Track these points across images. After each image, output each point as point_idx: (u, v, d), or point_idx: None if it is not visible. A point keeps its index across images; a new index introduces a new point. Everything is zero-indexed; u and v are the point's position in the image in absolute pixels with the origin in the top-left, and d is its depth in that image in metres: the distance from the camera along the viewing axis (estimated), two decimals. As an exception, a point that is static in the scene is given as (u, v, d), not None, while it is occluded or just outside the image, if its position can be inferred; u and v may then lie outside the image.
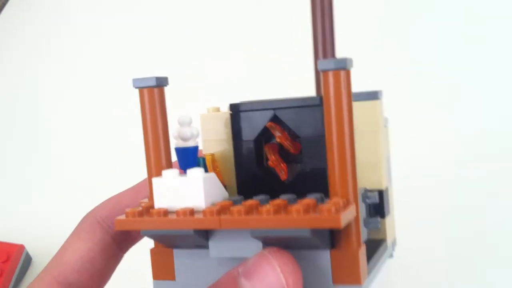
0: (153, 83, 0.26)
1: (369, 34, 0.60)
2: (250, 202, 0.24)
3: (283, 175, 0.28)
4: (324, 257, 0.24)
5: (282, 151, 0.28)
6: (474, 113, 0.56)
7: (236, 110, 0.28)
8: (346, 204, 0.23)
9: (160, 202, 0.25)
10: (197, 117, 0.30)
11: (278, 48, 0.63)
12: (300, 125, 0.27)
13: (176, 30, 0.69)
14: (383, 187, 0.28)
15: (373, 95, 0.28)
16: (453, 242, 0.51)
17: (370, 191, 0.28)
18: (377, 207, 0.28)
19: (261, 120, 0.28)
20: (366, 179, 0.28)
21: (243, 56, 0.65)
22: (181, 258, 0.26)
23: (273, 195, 0.26)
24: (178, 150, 0.27)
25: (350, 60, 0.23)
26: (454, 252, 0.51)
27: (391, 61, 0.58)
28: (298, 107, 0.27)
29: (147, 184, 0.27)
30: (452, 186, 0.53)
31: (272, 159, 0.28)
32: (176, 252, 0.27)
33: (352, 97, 0.24)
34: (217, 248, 0.25)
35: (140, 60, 0.68)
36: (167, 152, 0.27)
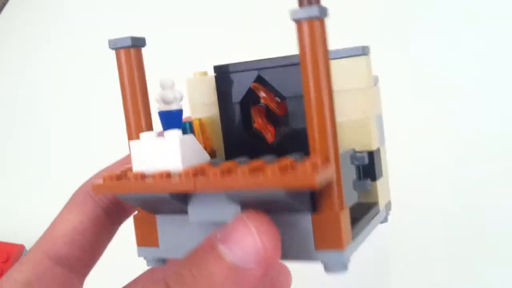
0: (128, 43, 0.25)
1: (369, 34, 0.60)
2: (228, 163, 0.23)
3: (269, 137, 0.27)
4: (306, 220, 0.23)
5: (269, 113, 0.28)
6: (474, 112, 0.55)
7: (220, 72, 0.27)
8: (325, 163, 0.22)
9: (138, 165, 0.24)
10: (184, 83, 0.29)
11: (278, 47, 0.63)
12: (284, 85, 0.26)
13: (176, 30, 0.69)
14: (373, 148, 0.27)
15: (360, 51, 0.26)
16: (453, 242, 0.51)
17: (360, 152, 0.27)
18: (368, 168, 0.27)
19: (245, 81, 0.27)
20: (355, 140, 0.27)
21: (243, 55, 0.65)
22: (164, 224, 0.26)
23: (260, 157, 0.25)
24: (161, 114, 0.26)
25: (325, 9, 0.21)
26: (454, 252, 0.51)
27: (392, 60, 0.58)
28: (282, 66, 0.26)
29: None
30: (452, 186, 0.53)
31: (258, 122, 0.27)
32: (159, 218, 0.26)
33: (339, 53, 0.24)
34: (196, 212, 0.24)
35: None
36: (146, 115, 0.26)
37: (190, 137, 0.24)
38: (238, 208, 0.23)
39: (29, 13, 0.80)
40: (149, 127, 0.26)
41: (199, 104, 0.29)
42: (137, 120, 0.26)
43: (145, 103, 0.26)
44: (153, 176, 0.23)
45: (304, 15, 0.21)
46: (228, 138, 0.28)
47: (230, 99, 0.27)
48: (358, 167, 0.27)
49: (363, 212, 0.27)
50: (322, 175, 0.21)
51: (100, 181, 0.24)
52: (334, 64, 0.25)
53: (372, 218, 0.27)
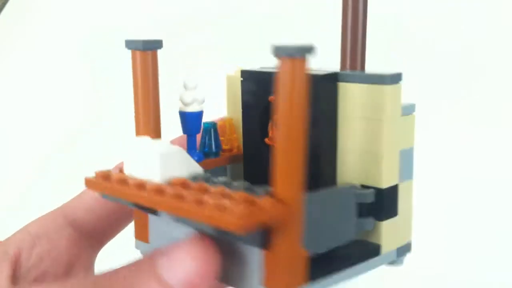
0: (142, 46, 0.25)
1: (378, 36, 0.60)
2: (198, 185, 0.22)
3: None
4: (255, 255, 0.22)
5: None
6: (476, 112, 0.55)
7: (246, 77, 0.27)
8: (274, 204, 0.20)
9: (128, 168, 0.25)
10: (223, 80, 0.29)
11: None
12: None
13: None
14: (383, 185, 0.25)
15: (382, 79, 0.24)
16: (453, 242, 0.51)
17: (366, 187, 0.25)
18: (373, 207, 0.25)
19: (268, 90, 0.25)
20: (366, 173, 0.25)
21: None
22: (154, 222, 0.26)
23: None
24: (180, 114, 0.27)
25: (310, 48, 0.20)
26: (454, 251, 0.50)
27: (396, 59, 0.58)
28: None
29: None
30: (453, 186, 0.53)
31: (270, 137, 0.26)
32: (150, 216, 0.26)
33: (367, 78, 0.23)
34: (164, 224, 0.25)
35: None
36: (156, 118, 0.26)
37: (174, 150, 0.24)
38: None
39: (29, 13, 0.80)
40: (157, 129, 0.26)
41: (236, 103, 0.28)
42: (146, 121, 0.26)
43: (155, 105, 0.26)
44: (128, 184, 0.23)
45: (286, 52, 0.20)
46: (246, 146, 0.28)
47: (252, 107, 0.27)
48: (359, 204, 0.25)
49: (354, 252, 0.25)
50: (252, 220, 0.20)
51: (93, 177, 0.25)
52: (358, 88, 0.25)
53: (364, 260, 0.25)
